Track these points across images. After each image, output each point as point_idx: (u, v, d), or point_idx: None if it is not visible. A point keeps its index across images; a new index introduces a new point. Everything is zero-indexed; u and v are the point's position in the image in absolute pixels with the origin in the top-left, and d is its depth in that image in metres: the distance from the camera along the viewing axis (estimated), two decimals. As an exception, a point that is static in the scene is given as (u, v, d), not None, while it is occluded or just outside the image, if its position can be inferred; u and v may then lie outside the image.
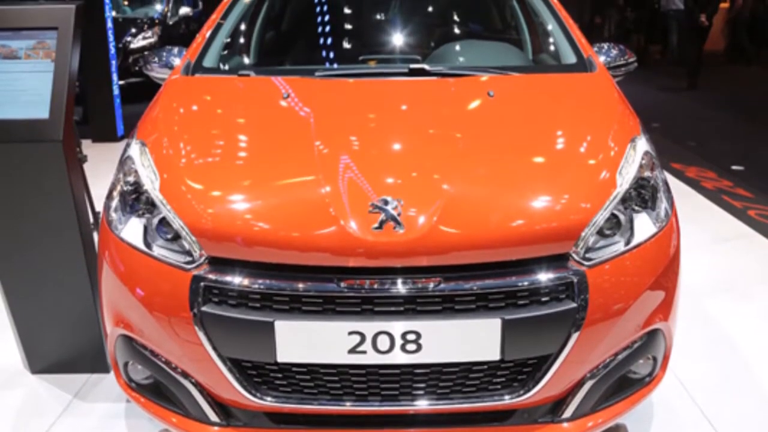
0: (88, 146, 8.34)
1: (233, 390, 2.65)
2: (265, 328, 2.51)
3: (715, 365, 3.90)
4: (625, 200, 2.78)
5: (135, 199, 2.84)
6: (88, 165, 3.71)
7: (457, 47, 4.45)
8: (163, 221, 2.73)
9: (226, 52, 4.15)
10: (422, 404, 2.65)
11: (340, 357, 2.55)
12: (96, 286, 3.06)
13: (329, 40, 4.34)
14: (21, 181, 3.41)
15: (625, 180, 2.80)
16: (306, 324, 2.51)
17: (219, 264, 2.60)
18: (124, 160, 3.00)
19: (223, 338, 2.57)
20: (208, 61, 3.88)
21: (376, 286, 2.51)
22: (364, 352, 2.53)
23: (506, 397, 2.65)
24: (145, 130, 3.16)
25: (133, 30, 12.35)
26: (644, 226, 2.79)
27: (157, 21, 12.99)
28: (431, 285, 2.51)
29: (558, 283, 2.56)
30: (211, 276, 2.57)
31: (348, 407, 2.65)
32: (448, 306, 2.52)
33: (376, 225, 2.51)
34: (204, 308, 2.55)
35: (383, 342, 2.52)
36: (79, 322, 3.67)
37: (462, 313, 2.52)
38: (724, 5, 17.09)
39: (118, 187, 2.92)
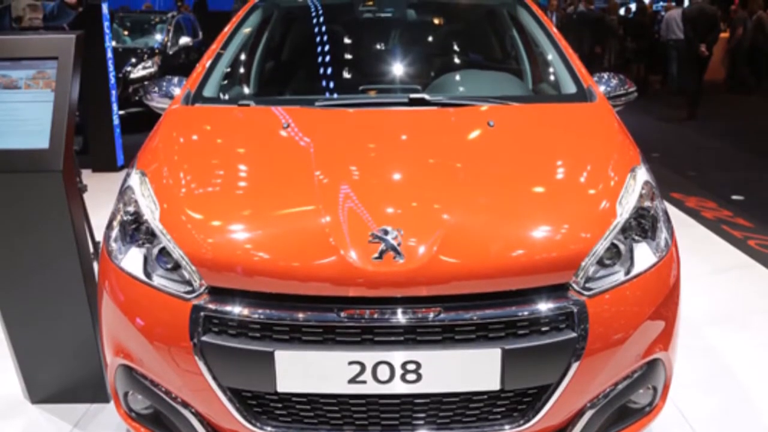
0: (88, 176, 8.32)
1: (233, 419, 2.64)
2: (265, 358, 2.50)
3: (715, 395, 3.89)
4: (625, 230, 2.78)
5: (135, 229, 2.84)
6: (88, 195, 3.71)
7: (457, 77, 4.45)
8: (163, 251, 2.73)
9: (226, 82, 4.16)
10: (422, 434, 2.64)
11: (340, 387, 2.54)
12: (96, 315, 3.06)
13: (329, 70, 4.34)
14: (21, 211, 3.40)
15: (625, 210, 2.80)
16: (306, 354, 2.51)
17: (219, 294, 2.60)
18: (124, 190, 3.00)
19: (223, 368, 2.57)
20: (208, 91, 3.89)
21: (376, 316, 2.51)
22: (364, 382, 2.52)
23: (506, 427, 2.64)
24: (145, 160, 3.17)
25: (133, 60, 12.39)
26: (644, 255, 2.79)
27: (157, 51, 13.06)
28: (431, 315, 2.51)
29: (558, 312, 2.56)
30: (211, 306, 2.57)
31: (348, 437, 2.64)
32: (448, 336, 2.52)
33: (376, 255, 2.51)
34: (204, 338, 2.55)
35: (383, 372, 2.51)
36: (79, 352, 3.66)
37: (462, 343, 2.52)
38: (724, 35, 17.13)
39: (118, 217, 2.92)
